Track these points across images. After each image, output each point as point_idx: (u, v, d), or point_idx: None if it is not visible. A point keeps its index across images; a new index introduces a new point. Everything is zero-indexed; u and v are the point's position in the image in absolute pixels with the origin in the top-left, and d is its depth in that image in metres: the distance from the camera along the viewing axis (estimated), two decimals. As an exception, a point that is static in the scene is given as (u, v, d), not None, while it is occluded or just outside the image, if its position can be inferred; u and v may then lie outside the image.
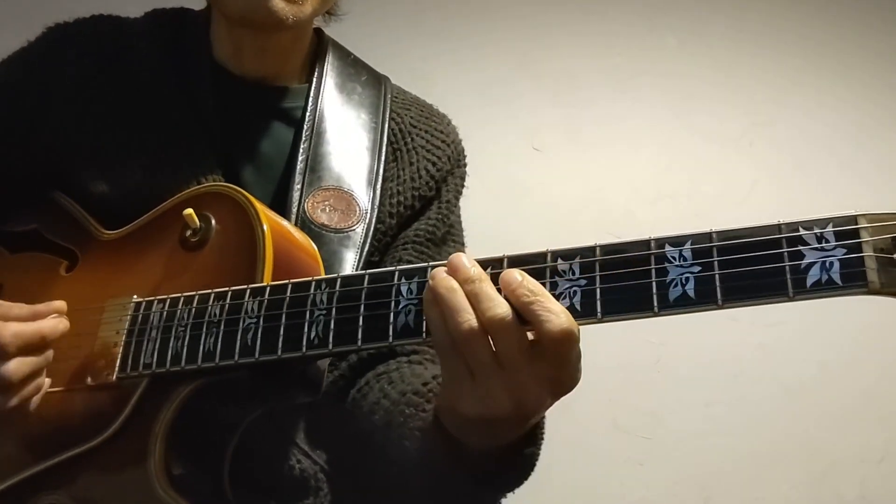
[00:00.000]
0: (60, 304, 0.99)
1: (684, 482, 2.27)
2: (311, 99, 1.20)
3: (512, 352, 0.75)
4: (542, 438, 0.92)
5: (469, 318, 0.75)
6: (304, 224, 1.11)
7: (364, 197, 1.16)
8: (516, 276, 0.76)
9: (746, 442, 2.30)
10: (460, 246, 1.28)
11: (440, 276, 0.78)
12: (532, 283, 0.75)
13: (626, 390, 2.26)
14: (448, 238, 1.26)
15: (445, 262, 0.80)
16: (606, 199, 2.41)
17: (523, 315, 0.75)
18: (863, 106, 2.59)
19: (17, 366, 0.91)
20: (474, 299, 0.76)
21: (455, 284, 0.77)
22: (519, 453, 0.90)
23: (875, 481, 2.33)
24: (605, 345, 2.22)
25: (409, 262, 1.17)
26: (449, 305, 0.76)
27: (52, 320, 0.96)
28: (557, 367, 0.76)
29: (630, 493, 2.24)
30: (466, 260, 0.79)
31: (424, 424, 0.94)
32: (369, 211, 1.15)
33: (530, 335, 0.76)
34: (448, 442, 0.86)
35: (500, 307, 0.75)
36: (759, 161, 2.51)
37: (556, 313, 0.73)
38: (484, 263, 0.79)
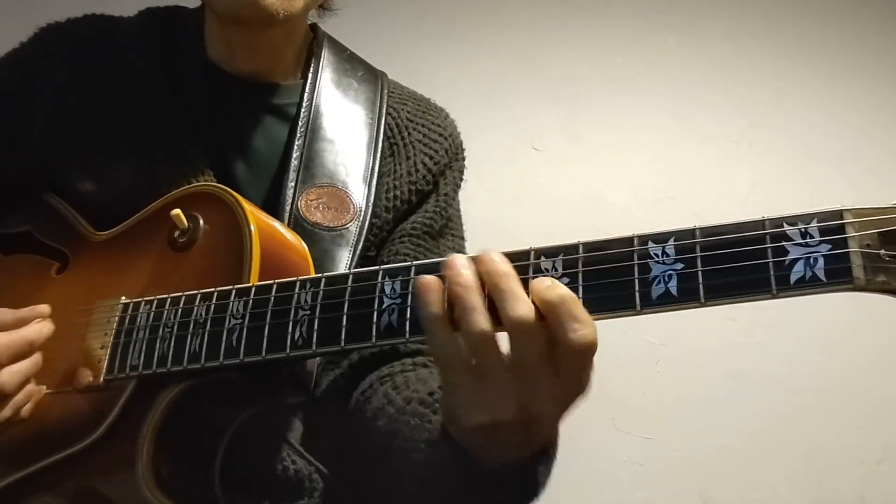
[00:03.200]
0: (44, 308, 0.98)
1: (684, 482, 2.26)
2: (305, 95, 1.20)
3: (530, 355, 0.72)
4: (554, 459, 0.87)
5: (485, 319, 0.73)
6: (297, 222, 1.10)
7: (359, 194, 1.15)
8: (546, 281, 0.73)
9: (746, 442, 2.29)
10: (459, 239, 1.27)
11: (457, 269, 0.75)
12: (561, 288, 0.72)
13: (626, 390, 2.26)
14: (446, 231, 1.25)
15: (430, 260, 0.79)
16: (606, 200, 2.41)
17: (547, 319, 0.72)
18: (862, 106, 2.59)
19: (9, 376, 0.91)
20: (499, 296, 0.73)
21: (471, 281, 0.74)
22: (528, 473, 0.85)
23: (874, 482, 2.33)
24: (605, 345, 2.20)
25: (406, 254, 1.16)
26: (465, 303, 0.73)
27: (37, 325, 0.96)
28: (572, 376, 0.74)
29: (630, 493, 2.23)
30: (497, 255, 0.75)
31: (430, 436, 0.91)
32: (364, 208, 1.14)
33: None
34: (455, 455, 0.83)
35: (525, 306, 0.72)
36: (759, 162, 2.50)
37: (583, 322, 0.71)
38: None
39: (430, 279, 0.76)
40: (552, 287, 0.72)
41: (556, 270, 0.75)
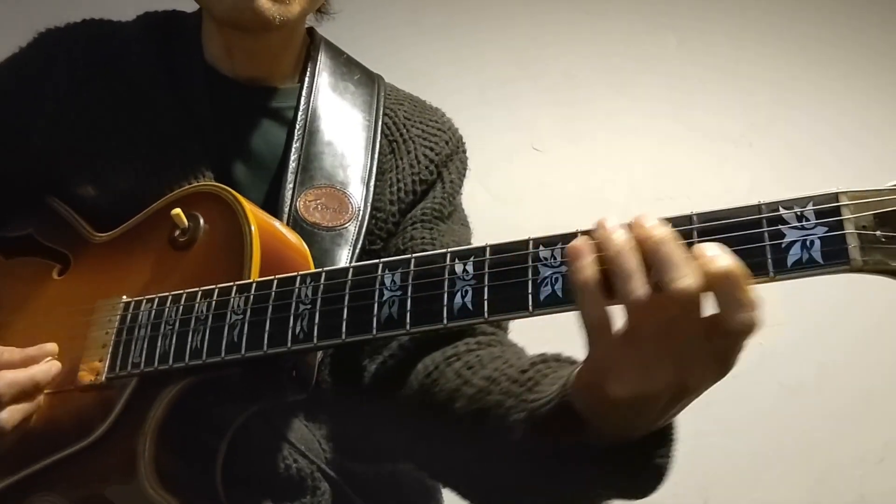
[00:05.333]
0: (52, 347, 0.99)
1: (684, 482, 2.25)
2: (303, 98, 1.20)
3: (691, 327, 0.69)
4: (675, 441, 0.83)
5: (643, 285, 0.69)
6: (296, 223, 1.10)
7: (357, 195, 1.15)
8: (713, 247, 0.69)
9: (746, 442, 2.29)
10: (467, 228, 1.27)
11: (611, 231, 0.71)
12: (727, 259, 0.67)
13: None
14: (454, 216, 1.24)
15: (428, 253, 0.79)
16: (606, 199, 2.41)
17: (713, 292, 0.68)
18: (863, 106, 2.59)
19: (9, 415, 0.92)
20: (663, 263, 0.68)
21: (630, 243, 0.70)
22: (651, 455, 0.81)
23: (874, 481, 2.32)
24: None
25: (422, 238, 1.15)
26: (622, 267, 0.69)
27: (45, 365, 0.97)
28: (725, 352, 0.70)
29: (631, 493, 2.23)
30: (651, 218, 0.71)
31: (530, 416, 0.87)
32: (362, 208, 1.15)
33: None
34: (574, 433, 0.80)
35: (691, 278, 0.67)
36: (758, 162, 2.51)
37: (750, 304, 0.67)
38: (464, 253, 0.79)
39: (580, 242, 0.72)
40: (720, 258, 0.68)
41: (556, 259, 0.75)
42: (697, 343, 0.69)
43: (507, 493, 0.94)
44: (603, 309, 0.71)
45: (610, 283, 0.71)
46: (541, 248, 0.76)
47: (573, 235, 0.75)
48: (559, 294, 0.74)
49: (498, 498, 0.97)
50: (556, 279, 0.74)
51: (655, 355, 0.70)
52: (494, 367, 0.98)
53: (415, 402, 1.05)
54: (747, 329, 0.67)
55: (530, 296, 0.76)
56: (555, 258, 0.75)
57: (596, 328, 0.72)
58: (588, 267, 0.71)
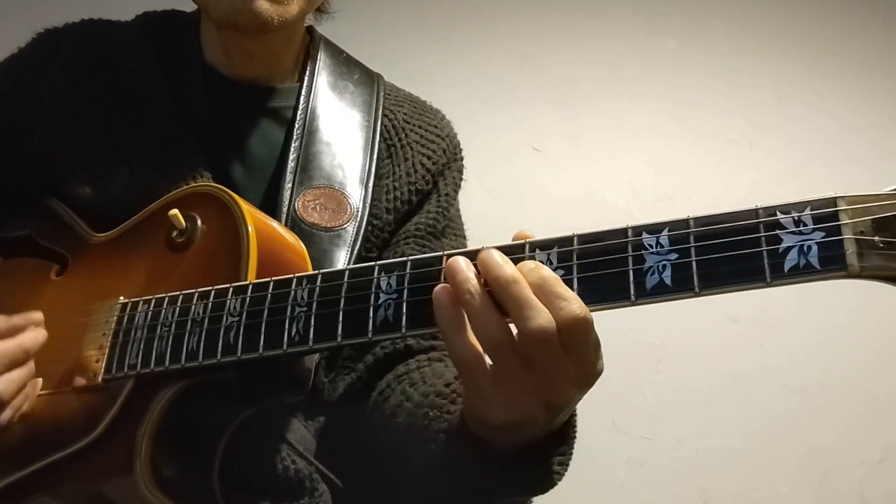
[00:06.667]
0: (37, 315, 0.99)
1: (684, 482, 2.26)
2: (302, 98, 1.20)
3: (549, 359, 0.73)
4: (574, 438, 0.89)
5: (502, 326, 0.73)
6: (295, 223, 1.10)
7: (356, 195, 1.15)
8: (529, 264, 0.74)
9: (746, 442, 2.30)
10: (461, 239, 1.27)
11: (461, 276, 0.74)
12: (545, 270, 0.73)
13: (626, 390, 2.26)
14: (448, 231, 1.25)
15: (423, 255, 0.79)
16: (606, 200, 2.42)
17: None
18: (862, 107, 2.59)
19: (5, 384, 0.92)
20: (511, 306, 0.72)
21: (478, 287, 0.74)
22: (549, 455, 0.87)
23: (874, 482, 2.33)
24: (605, 345, 2.21)
25: (412, 255, 1.15)
26: (476, 311, 0.73)
27: (32, 332, 0.97)
28: (577, 357, 0.74)
29: (630, 493, 2.23)
30: (499, 256, 0.74)
31: (449, 427, 0.92)
32: (361, 209, 1.14)
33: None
34: (474, 445, 0.85)
35: (542, 315, 0.71)
36: (758, 163, 2.51)
37: (567, 299, 0.72)
38: (465, 255, 0.79)
39: (440, 293, 0.76)
40: (535, 269, 0.73)
41: (552, 263, 0.75)
42: (558, 368, 0.73)
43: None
44: (468, 348, 0.75)
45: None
46: (537, 251, 0.76)
47: (569, 239, 0.75)
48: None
49: None
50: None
51: (522, 389, 0.75)
52: (431, 382, 1.01)
53: (371, 419, 1.08)
54: (574, 320, 0.71)
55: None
56: (551, 262, 0.75)
57: (465, 366, 0.76)
58: (446, 310, 0.75)
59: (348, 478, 1.11)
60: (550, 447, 0.87)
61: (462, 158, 1.31)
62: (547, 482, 0.89)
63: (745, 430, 2.30)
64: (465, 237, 1.29)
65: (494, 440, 0.83)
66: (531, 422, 0.77)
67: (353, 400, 1.12)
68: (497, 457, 0.85)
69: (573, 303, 0.72)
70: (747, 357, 2.34)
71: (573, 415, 0.87)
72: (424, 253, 1.13)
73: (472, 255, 0.77)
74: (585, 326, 0.73)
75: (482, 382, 0.76)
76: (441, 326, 0.76)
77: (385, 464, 1.06)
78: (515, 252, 0.76)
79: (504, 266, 0.73)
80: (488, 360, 0.75)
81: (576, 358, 0.74)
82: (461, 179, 1.30)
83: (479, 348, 0.75)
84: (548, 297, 0.72)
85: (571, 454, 0.89)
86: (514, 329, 0.74)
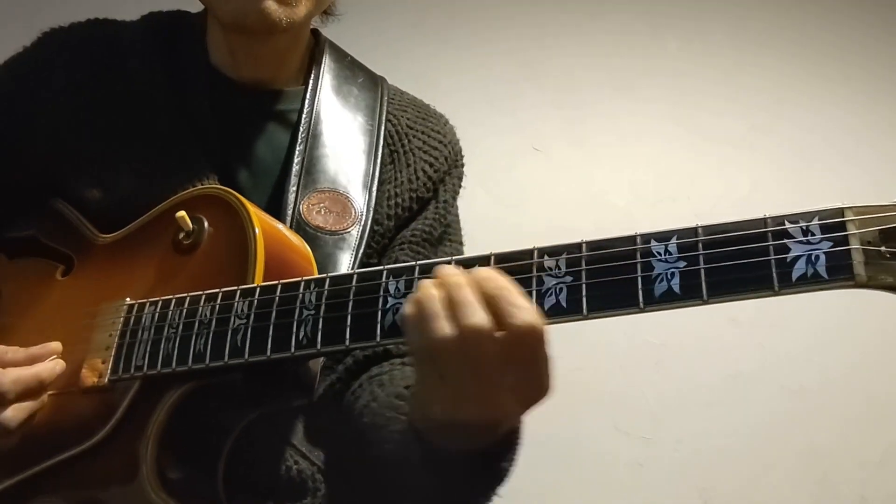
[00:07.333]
0: (56, 346, 0.99)
1: (684, 482, 2.26)
2: (307, 101, 1.20)
3: (486, 359, 0.75)
4: (517, 448, 0.91)
5: (444, 325, 0.75)
6: (300, 226, 1.10)
7: (360, 199, 1.15)
8: (486, 271, 0.76)
9: (746, 443, 2.30)
10: (458, 245, 1.28)
11: (424, 281, 0.78)
12: (500, 279, 0.75)
13: (626, 390, 2.26)
14: (445, 238, 1.25)
15: (433, 259, 0.80)
16: (607, 201, 2.42)
17: (489, 308, 0.74)
18: (862, 108, 2.60)
19: (14, 413, 0.93)
20: (454, 305, 0.75)
21: (434, 291, 0.77)
22: (491, 463, 0.89)
23: (875, 483, 2.33)
24: (605, 345, 2.24)
25: (405, 262, 1.16)
26: (425, 311, 0.76)
27: (50, 363, 0.97)
28: (525, 367, 0.76)
29: (630, 493, 2.24)
30: (448, 265, 0.78)
31: (403, 427, 0.94)
32: (365, 213, 1.15)
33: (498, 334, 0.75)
34: (422, 446, 0.87)
35: (477, 314, 0.74)
36: (759, 164, 2.51)
37: (519, 307, 0.73)
38: (470, 261, 0.79)
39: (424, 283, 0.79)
40: (490, 278, 0.75)
41: (560, 269, 0.75)
42: (495, 374, 0.75)
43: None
44: (420, 342, 0.77)
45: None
46: (545, 257, 0.76)
47: (578, 246, 0.76)
48: (563, 304, 0.75)
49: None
50: (561, 289, 0.75)
51: (459, 391, 0.77)
52: (396, 384, 1.03)
53: (344, 418, 1.10)
54: (527, 328, 0.73)
55: (534, 304, 0.76)
56: (559, 268, 0.75)
57: (417, 358, 0.81)
58: (409, 306, 0.78)
59: (342, 476, 1.12)
60: (495, 452, 0.88)
61: (463, 165, 1.31)
62: (491, 484, 0.92)
63: (745, 430, 2.30)
64: (461, 242, 1.29)
65: (437, 441, 0.85)
66: (470, 424, 0.80)
67: (332, 400, 1.12)
68: (442, 458, 0.87)
69: (524, 311, 0.73)
70: (747, 357, 2.34)
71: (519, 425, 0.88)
72: (418, 259, 1.14)
73: (484, 261, 0.78)
74: (535, 335, 0.74)
75: (432, 378, 0.79)
76: (402, 317, 0.79)
77: (360, 460, 1.07)
78: (523, 258, 0.77)
79: (450, 273, 0.77)
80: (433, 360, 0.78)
81: (520, 369, 0.76)
82: (460, 186, 1.30)
83: (441, 343, 0.76)
84: (500, 302, 0.74)
85: (513, 462, 0.91)
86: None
